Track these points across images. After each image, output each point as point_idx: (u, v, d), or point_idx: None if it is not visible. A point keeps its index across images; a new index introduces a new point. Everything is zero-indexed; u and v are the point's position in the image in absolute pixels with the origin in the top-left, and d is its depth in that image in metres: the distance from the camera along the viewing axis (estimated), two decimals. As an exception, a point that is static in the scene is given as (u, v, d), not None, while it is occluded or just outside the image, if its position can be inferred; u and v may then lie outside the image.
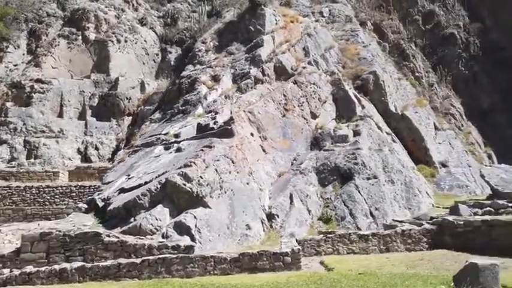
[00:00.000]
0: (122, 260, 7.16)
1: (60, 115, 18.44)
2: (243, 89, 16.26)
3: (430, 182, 16.51)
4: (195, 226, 8.76)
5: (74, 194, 14.31)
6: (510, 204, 11.49)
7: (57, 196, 14.26)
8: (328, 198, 12.70)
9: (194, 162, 9.63)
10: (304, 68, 17.85)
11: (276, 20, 20.04)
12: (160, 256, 7.22)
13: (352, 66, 19.39)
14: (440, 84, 26.80)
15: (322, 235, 9.56)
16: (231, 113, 13.86)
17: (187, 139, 12.57)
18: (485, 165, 16.61)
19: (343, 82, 17.70)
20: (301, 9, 25.49)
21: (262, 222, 10.62)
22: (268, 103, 14.66)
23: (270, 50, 18.18)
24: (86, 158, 17.47)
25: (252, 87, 16.35)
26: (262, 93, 15.48)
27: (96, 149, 17.77)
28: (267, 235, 10.41)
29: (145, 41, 22.96)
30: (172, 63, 23.12)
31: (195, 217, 8.93)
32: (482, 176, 13.25)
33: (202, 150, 10.49)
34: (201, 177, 9.42)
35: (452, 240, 9.61)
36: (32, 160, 16.16)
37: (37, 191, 14.20)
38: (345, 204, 12.30)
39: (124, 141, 18.15)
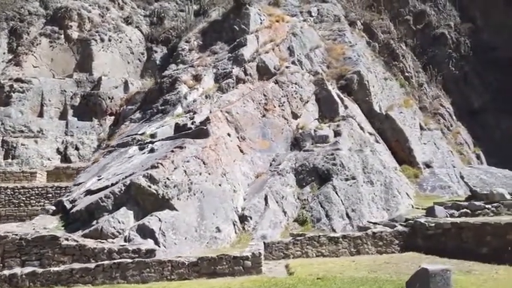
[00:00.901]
0: (75, 265, 6.97)
1: (41, 115, 18.21)
2: (224, 88, 16.08)
3: (413, 183, 16.36)
4: (160, 229, 8.57)
5: (50, 195, 14.09)
6: (487, 206, 11.37)
7: (32, 197, 14.05)
8: (305, 200, 12.53)
9: (161, 164, 9.44)
10: (287, 67, 17.68)
11: (260, 19, 19.87)
12: (116, 261, 7.04)
13: (337, 66, 19.24)
14: (430, 84, 26.68)
15: (291, 238, 9.38)
16: (210, 112, 13.69)
17: (162, 139, 12.38)
18: (470, 166, 16.48)
19: (327, 82, 17.54)
20: (289, 8, 25.34)
21: (234, 225, 10.44)
22: (248, 103, 14.48)
23: (253, 50, 18.00)
24: (65, 158, 17.26)
25: (233, 87, 16.16)
26: (243, 93, 15.31)
27: (77, 149, 17.55)
28: (239, 237, 10.23)
29: (130, 40, 22.75)
30: (157, 62, 22.94)
31: (159, 220, 8.75)
32: (462, 177, 13.13)
33: (172, 151, 10.29)
34: (168, 178, 9.22)
35: (424, 243, 9.47)
36: (10, 160, 15.93)
37: (12, 192, 13.98)
38: (321, 206, 12.14)
39: (105, 141, 17.95)
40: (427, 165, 17.58)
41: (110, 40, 21.61)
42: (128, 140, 13.17)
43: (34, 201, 13.99)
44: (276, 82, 15.99)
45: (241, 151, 13.26)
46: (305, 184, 13.06)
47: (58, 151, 17.31)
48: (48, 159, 16.64)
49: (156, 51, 23.20)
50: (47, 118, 18.03)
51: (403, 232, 9.69)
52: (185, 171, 9.84)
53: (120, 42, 22.16)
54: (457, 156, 20.86)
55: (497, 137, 25.59)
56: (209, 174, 10.48)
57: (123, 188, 8.97)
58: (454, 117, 25.53)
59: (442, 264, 5.85)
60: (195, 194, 9.77)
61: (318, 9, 25.85)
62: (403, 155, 17.50)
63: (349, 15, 27.53)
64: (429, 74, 26.43)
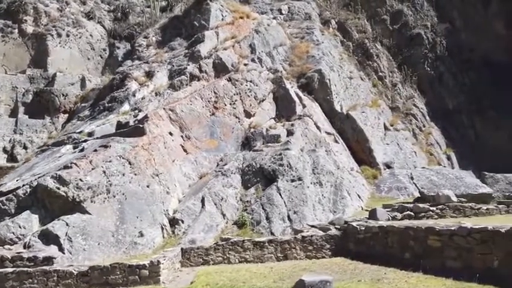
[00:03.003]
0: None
1: (-11, 112, 17.42)
2: (176, 86, 15.52)
3: (370, 184, 15.96)
4: (66, 234, 7.99)
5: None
6: (432, 208, 10.99)
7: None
8: (248, 201, 12.03)
9: (76, 164, 8.86)
10: (245, 65, 17.19)
11: (222, 15, 19.34)
12: (-5, 269, 6.46)
13: (299, 64, 18.78)
14: (404, 84, 26.36)
15: (213, 243, 8.86)
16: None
17: (97, 138, 11.77)
18: (423, 167, 16.10)
19: (285, 80, 17.07)
20: (260, 6, 24.89)
21: (162, 228, 9.89)
22: (196, 101, 13.93)
23: (211, 46, 17.47)
24: (12, 157, 16.50)
25: (187, 84, 15.62)
26: (196, 91, 14.76)
27: (25, 147, 16.80)
28: (165, 242, 9.68)
29: (91, 35, 22.02)
30: (120, 59, 22.20)
31: (67, 224, 8.16)
32: (412, 178, 12.72)
33: (95, 150, 9.71)
34: (80, 180, 8.65)
35: (355, 247, 9.03)
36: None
37: None
38: (263, 208, 11.63)
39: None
40: (388, 166, 17.20)
41: (68, 35, 20.88)
42: (63, 138, 12.55)
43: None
44: (229, 80, 15.46)
45: (185, 151, 12.72)
46: (250, 185, 12.56)
47: (4, 150, 16.54)
48: (-7, 158, 15.89)
49: (118, 48, 22.50)
50: (-5, 115, 17.27)
51: (335, 236, 9.23)
52: (104, 172, 9.26)
53: (80, 37, 21.43)
54: (424, 156, 20.57)
55: (471, 138, 25.41)
56: (135, 174, 9.92)
57: (28, 190, 8.37)
58: (427, 118, 25.25)
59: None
60: (114, 196, 9.19)
61: (288, 7, 25.40)
62: (363, 155, 17.11)
63: (323, 14, 27.14)
64: (404, 74, 26.15)
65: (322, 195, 12.76)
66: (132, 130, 11.55)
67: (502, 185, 12.87)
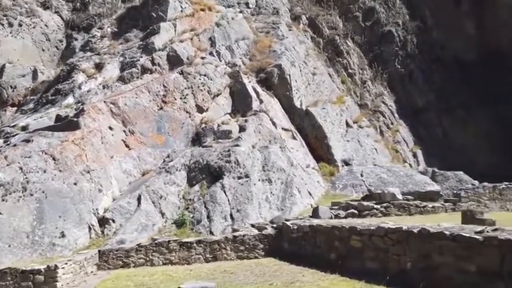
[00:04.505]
0: None
1: None
2: (126, 78, 14.86)
3: (327, 181, 15.70)
4: (-33, 235, 7.36)
5: None
6: (376, 206, 10.78)
7: None
8: (191, 200, 11.55)
9: (-14, 159, 8.21)
10: (202, 58, 16.64)
11: (181, 7, 18.69)
12: None
13: (259, 59, 18.32)
14: (374, 81, 26.29)
15: (136, 244, 8.35)
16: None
17: (28, 132, 11.04)
18: (375, 165, 15.93)
19: (243, 75, 16.60)
20: (227, -2, 24.31)
21: (90, 228, 9.30)
22: (142, 94, 13.32)
23: (167, 39, 16.83)
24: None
25: (138, 78, 14.98)
26: (143, 84, 14.13)
27: (-34, 143, 15.80)
28: (92, 243, 9.11)
29: (46, 25, 21.01)
30: (77, 50, 21.22)
31: (-31, 224, 7.54)
32: (361, 175, 12.50)
33: (15, 145, 9.03)
34: (-11, 176, 8.01)
35: (289, 247, 8.69)
36: None
37: None
38: (205, 206, 11.18)
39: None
40: (346, 163, 16.99)
41: (20, 25, 19.83)
42: (-5, 132, 11.77)
43: None
44: (181, 73, 14.88)
45: (127, 146, 12.11)
46: (195, 183, 12.08)
47: None
48: None
49: (76, 39, 21.51)
50: None
51: (269, 235, 8.86)
52: (21, 168, 8.62)
53: (34, 27, 20.40)
54: (387, 154, 20.48)
55: (439, 136, 25.59)
56: (60, 171, 9.29)
57: None
58: (395, 116, 25.24)
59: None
60: (32, 195, 8.57)
61: (256, 1, 24.93)
62: (321, 152, 16.84)
63: (294, 9, 26.76)
64: (374, 71, 26.07)
65: (271, 192, 12.40)
66: (66, 124, 10.89)
67: (452, 183, 12.80)
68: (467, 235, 4.90)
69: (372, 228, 6.39)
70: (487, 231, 4.92)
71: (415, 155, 23.42)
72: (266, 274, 6.83)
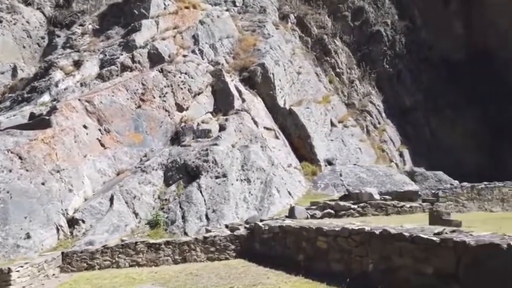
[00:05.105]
0: None
1: None
2: (105, 76, 14.59)
3: (309, 181, 15.59)
4: None
5: None
6: (353, 206, 10.68)
7: None
8: (166, 200, 11.35)
9: None
10: (184, 56, 16.42)
11: (165, 4, 18.43)
12: None
13: (243, 58, 18.16)
14: (362, 81, 26.25)
15: (101, 246, 8.14)
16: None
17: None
18: (355, 164, 15.85)
19: (225, 73, 16.41)
20: (215, -4, 24.09)
21: (58, 229, 9.06)
22: (119, 92, 13.07)
23: (149, 36, 16.58)
24: None
25: (117, 75, 14.72)
26: (120, 82, 13.88)
27: None
28: (60, 244, 8.87)
29: (28, 22, 20.62)
30: (59, 47, 20.85)
31: None
32: (340, 175, 12.40)
33: (-21, 143, 8.78)
34: None
35: (261, 248, 8.54)
36: None
37: None
38: (180, 206, 10.99)
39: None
40: (330, 163, 16.89)
41: (0, 21, 19.42)
42: (-35, 130, 11.43)
43: None
44: (161, 71, 14.65)
45: (102, 145, 11.87)
46: (172, 182, 11.88)
47: None
48: None
49: (59, 36, 21.12)
50: None
51: (241, 236, 8.70)
52: (-16, 167, 8.37)
53: (15, 24, 20.01)
54: (372, 153, 20.44)
55: (427, 136, 25.65)
56: (27, 171, 9.05)
57: None
58: (383, 115, 25.24)
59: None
60: (-5, 194, 8.32)
61: (243, 0, 24.77)
62: (304, 151, 16.72)
63: (282, 8, 26.62)
64: (363, 71, 26.02)
65: (250, 192, 12.24)
66: (37, 122, 10.63)
67: (432, 182, 12.76)
68: (426, 237, 4.79)
69: (337, 229, 6.26)
70: (446, 233, 4.82)
71: (401, 155, 23.44)
72: (231, 276, 6.68)
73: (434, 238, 4.67)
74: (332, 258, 6.34)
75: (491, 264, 4.09)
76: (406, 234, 5.06)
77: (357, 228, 5.92)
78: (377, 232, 5.52)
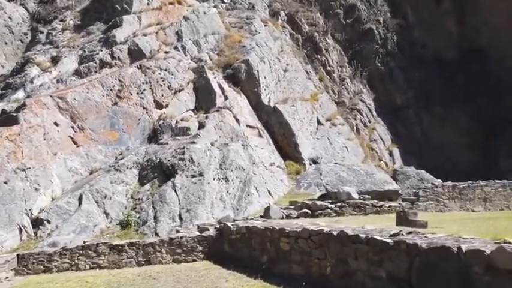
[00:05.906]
0: None
1: None
2: (82, 72, 14.26)
3: (292, 180, 15.30)
4: None
5: None
6: (330, 206, 10.38)
7: None
8: (139, 199, 11.04)
9: None
10: (166, 52, 16.09)
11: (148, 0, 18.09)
12: None
13: (227, 54, 17.83)
14: (353, 79, 25.96)
15: (60, 248, 7.82)
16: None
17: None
18: (335, 163, 15.56)
19: (208, 70, 16.09)
20: (203, -7, 23.73)
21: (21, 230, 8.74)
22: (94, 88, 12.74)
23: (130, 32, 16.23)
24: None
25: (96, 72, 14.38)
26: (96, 78, 13.54)
27: None
28: (22, 245, 8.55)
29: (10, 18, 20.25)
30: (41, 43, 20.46)
31: None
32: (320, 174, 12.10)
33: None
34: None
35: (229, 249, 8.23)
36: None
37: None
38: (153, 206, 10.68)
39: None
40: (314, 162, 16.60)
41: (-19, 17, 19.06)
42: None
43: None
44: (140, 67, 14.32)
45: (75, 143, 11.54)
46: (146, 181, 11.57)
47: None
48: None
49: (42, 32, 20.72)
50: None
51: (209, 237, 8.39)
52: None
53: (-4, 20, 19.63)
54: (360, 152, 20.15)
55: (418, 134, 25.40)
56: (-12, 169, 8.72)
57: None
58: (374, 113, 24.98)
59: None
60: (-49, 194, 7.99)
61: (232, -4, 24.40)
62: (288, 150, 16.42)
63: (272, 5, 26.30)
64: (354, 69, 25.73)
65: (227, 191, 11.94)
66: (4, 119, 10.31)
67: (414, 181, 12.49)
68: (380, 239, 4.49)
69: (298, 230, 5.97)
70: (402, 234, 4.53)
71: (391, 154, 23.17)
72: (189, 280, 6.38)
73: (388, 240, 4.38)
74: (293, 260, 6.05)
75: (444, 267, 3.81)
76: (362, 236, 4.76)
77: (316, 229, 5.63)
78: (335, 233, 5.23)
